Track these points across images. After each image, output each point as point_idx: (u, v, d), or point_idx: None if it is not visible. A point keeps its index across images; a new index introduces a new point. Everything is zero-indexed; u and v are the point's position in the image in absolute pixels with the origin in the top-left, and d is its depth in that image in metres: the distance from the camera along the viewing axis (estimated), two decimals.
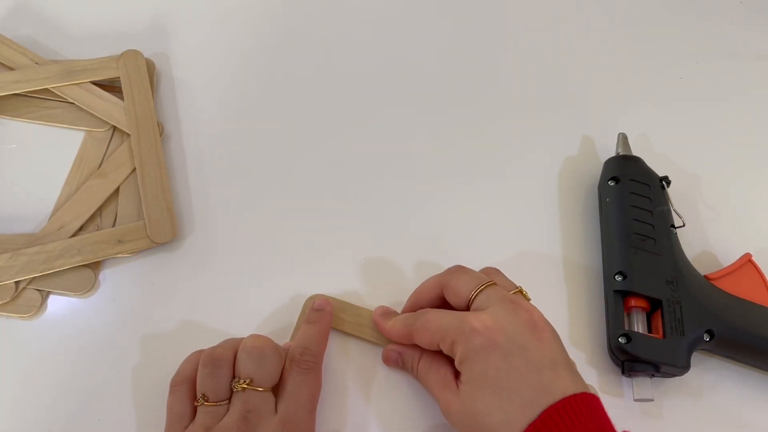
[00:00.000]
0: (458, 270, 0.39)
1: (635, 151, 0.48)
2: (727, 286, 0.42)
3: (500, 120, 0.51)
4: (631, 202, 0.44)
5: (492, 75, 0.53)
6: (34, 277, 0.43)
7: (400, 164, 0.49)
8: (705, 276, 0.43)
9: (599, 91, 0.53)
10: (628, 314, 0.42)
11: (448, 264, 0.41)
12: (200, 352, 0.39)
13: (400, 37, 0.54)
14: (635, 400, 0.40)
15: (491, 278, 0.38)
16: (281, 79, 0.52)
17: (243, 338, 0.39)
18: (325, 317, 0.42)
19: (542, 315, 0.36)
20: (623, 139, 0.48)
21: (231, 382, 0.37)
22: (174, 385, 0.38)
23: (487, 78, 0.53)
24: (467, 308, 0.37)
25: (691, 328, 0.40)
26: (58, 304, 0.44)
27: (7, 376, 0.41)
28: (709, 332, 0.40)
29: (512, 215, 0.47)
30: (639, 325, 0.41)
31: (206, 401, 0.37)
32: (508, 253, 0.46)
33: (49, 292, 0.44)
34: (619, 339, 0.40)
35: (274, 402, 0.37)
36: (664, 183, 0.45)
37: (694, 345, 0.40)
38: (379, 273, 0.45)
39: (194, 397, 0.38)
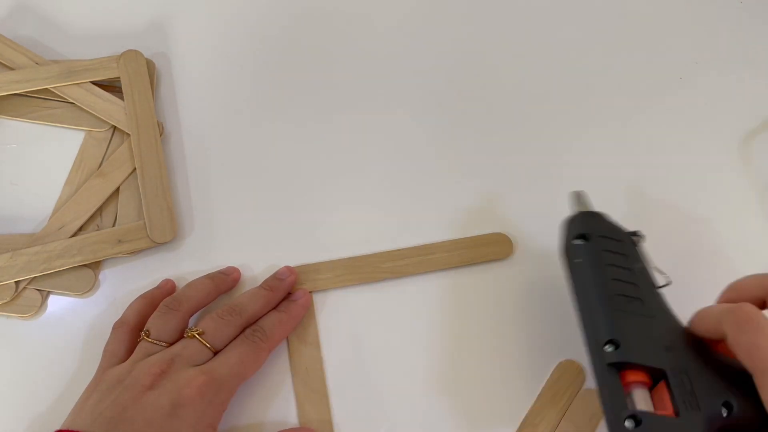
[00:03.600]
0: None
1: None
2: (724, 348, 0.34)
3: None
4: (607, 260, 0.37)
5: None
6: (34, 277, 0.43)
7: (409, 163, 0.49)
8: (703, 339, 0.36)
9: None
10: (627, 393, 0.34)
11: None
12: (144, 297, 0.41)
13: (413, 36, 0.54)
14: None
15: None
16: (282, 79, 0.52)
17: (226, 284, 0.42)
18: (282, 288, 0.42)
19: None
20: (579, 196, 0.41)
21: (181, 328, 0.39)
22: (114, 327, 0.40)
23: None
24: None
25: (706, 401, 0.32)
26: (58, 304, 0.44)
27: (7, 376, 0.42)
28: (727, 405, 0.32)
29: None
30: (642, 404, 0.33)
31: (147, 336, 0.38)
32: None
33: (49, 292, 0.44)
34: (626, 423, 0.32)
35: (208, 360, 0.38)
36: (634, 239, 0.39)
37: (713, 422, 0.32)
38: None
39: (131, 340, 0.39)
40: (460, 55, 0.53)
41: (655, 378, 0.34)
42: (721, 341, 0.33)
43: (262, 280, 0.44)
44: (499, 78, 0.53)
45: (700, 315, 0.34)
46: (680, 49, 0.55)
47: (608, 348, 0.34)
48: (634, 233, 0.39)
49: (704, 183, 0.49)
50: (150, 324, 0.39)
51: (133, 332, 0.40)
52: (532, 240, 0.47)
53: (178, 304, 0.40)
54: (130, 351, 0.38)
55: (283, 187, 0.48)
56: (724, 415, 0.32)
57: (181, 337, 0.39)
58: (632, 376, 0.34)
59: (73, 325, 0.43)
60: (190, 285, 0.42)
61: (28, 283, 0.43)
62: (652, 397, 0.34)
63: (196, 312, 0.41)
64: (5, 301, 0.42)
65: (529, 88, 0.52)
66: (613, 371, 0.34)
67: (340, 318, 0.44)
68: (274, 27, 0.54)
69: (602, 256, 0.37)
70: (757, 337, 0.30)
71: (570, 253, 0.39)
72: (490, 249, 0.46)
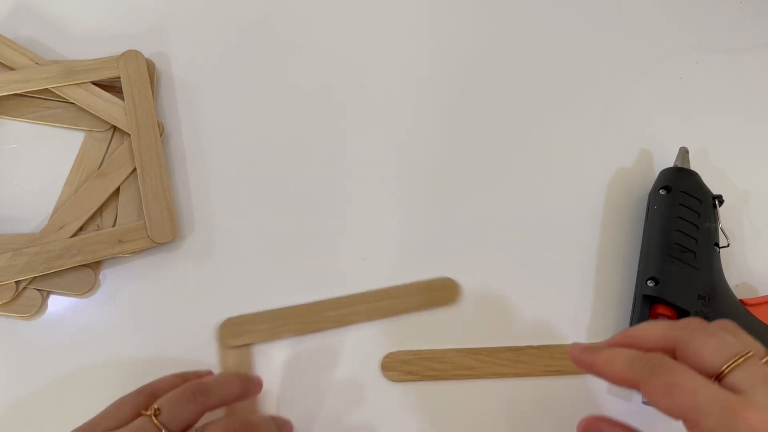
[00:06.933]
0: (701, 328, 0.30)
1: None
2: (763, 314, 0.41)
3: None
4: (679, 213, 0.43)
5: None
6: (34, 277, 0.43)
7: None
8: (741, 300, 0.42)
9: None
10: None
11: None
12: (181, 376, 0.38)
13: (421, 34, 0.54)
14: (643, 403, 0.40)
15: (737, 337, 0.30)
16: (282, 79, 0.52)
17: (250, 392, 0.39)
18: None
19: None
20: (683, 153, 0.47)
21: (193, 422, 0.35)
22: (139, 390, 0.36)
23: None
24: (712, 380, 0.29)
25: None
26: (58, 304, 0.44)
27: (7, 376, 0.42)
28: None
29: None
30: None
31: (155, 416, 0.34)
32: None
33: (49, 292, 0.44)
34: None
35: None
36: (716, 201, 0.45)
37: None
38: (385, 275, 0.45)
39: (141, 409, 0.35)
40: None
41: (682, 317, 0.39)
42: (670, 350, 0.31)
43: (262, 280, 0.44)
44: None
45: (606, 359, 0.32)
46: (680, 50, 0.55)
47: (649, 283, 0.41)
48: (717, 197, 0.45)
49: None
50: (164, 403, 0.35)
51: (147, 402, 0.36)
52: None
53: (206, 397, 0.36)
54: (135, 416, 0.35)
55: (284, 187, 0.48)
56: None
57: (187, 427, 0.35)
58: (660, 310, 0.41)
59: (73, 325, 0.43)
60: (223, 379, 0.38)
61: (29, 283, 0.43)
62: None
63: (216, 409, 0.37)
64: (5, 301, 0.42)
65: (521, 100, 0.52)
66: (647, 303, 0.42)
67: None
68: (274, 28, 0.54)
69: (675, 208, 0.44)
70: (675, 377, 0.28)
71: (651, 199, 0.46)
72: (438, 294, 0.44)
